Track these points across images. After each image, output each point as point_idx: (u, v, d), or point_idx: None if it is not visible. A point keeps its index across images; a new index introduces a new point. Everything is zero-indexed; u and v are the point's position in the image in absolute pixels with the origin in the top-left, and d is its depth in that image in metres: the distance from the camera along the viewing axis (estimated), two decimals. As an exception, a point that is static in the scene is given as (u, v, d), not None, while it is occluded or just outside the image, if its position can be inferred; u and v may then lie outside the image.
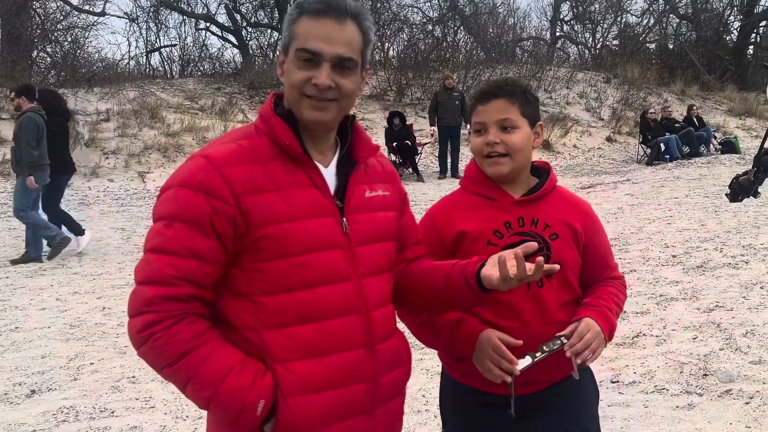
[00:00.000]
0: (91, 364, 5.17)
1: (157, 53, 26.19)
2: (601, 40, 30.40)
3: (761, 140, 3.24)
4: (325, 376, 1.73)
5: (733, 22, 29.33)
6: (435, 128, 16.03)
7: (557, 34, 31.20)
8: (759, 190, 3.13)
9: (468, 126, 15.53)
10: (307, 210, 1.74)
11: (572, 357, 2.01)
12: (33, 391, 4.69)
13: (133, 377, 4.86)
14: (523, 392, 2.10)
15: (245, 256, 1.72)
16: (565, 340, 2.03)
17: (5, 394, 4.66)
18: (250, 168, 1.72)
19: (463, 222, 2.14)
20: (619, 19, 29.94)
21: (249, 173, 1.71)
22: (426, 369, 4.80)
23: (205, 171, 1.69)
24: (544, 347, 2.03)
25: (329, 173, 1.83)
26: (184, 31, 33.82)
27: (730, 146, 18.70)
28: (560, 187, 2.28)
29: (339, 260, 1.77)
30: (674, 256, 7.70)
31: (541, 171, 2.26)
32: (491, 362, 2.01)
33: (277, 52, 1.82)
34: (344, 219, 1.79)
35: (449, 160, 16.04)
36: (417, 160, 16.03)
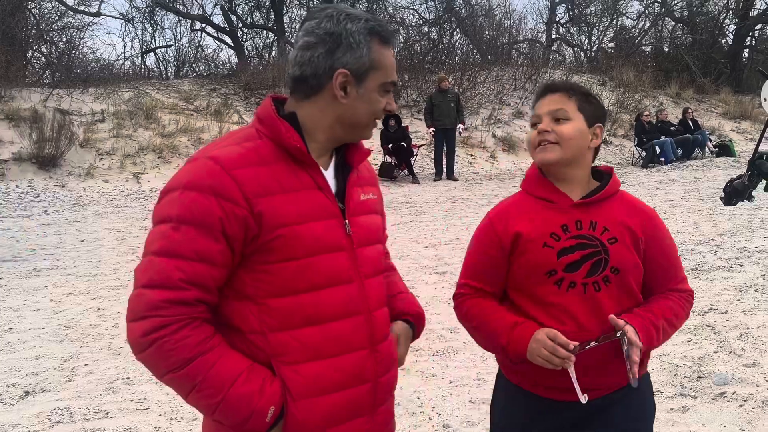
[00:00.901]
0: (86, 365, 5.15)
1: (152, 54, 26.19)
2: (596, 42, 30.47)
3: (756, 143, 3.25)
4: (332, 377, 1.75)
5: (728, 25, 29.40)
6: (432, 130, 16.02)
7: (553, 36, 31.27)
8: (753, 193, 3.14)
9: (462, 126, 15.48)
10: (313, 212, 1.75)
11: (627, 362, 1.99)
12: (27, 392, 4.68)
13: (128, 378, 4.85)
14: (575, 399, 2.07)
15: (255, 257, 1.71)
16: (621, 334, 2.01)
17: (-1, 395, 4.65)
18: (257, 170, 1.71)
19: (520, 223, 2.13)
20: (614, 21, 30.00)
21: (257, 175, 1.71)
22: (420, 371, 4.80)
23: (215, 173, 1.67)
24: (601, 337, 2.02)
25: (329, 176, 1.85)
26: (180, 32, 33.71)
27: (725, 149, 18.73)
28: (624, 191, 2.23)
29: (344, 262, 1.79)
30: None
31: (604, 175, 2.23)
32: (548, 351, 1.99)
33: (339, 72, 1.75)
34: (346, 221, 1.81)
35: (445, 162, 16.05)
36: (412, 161, 16.02)
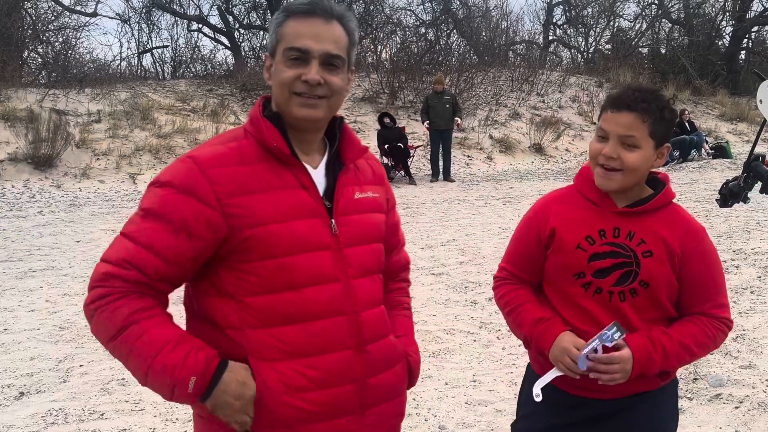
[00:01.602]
0: (81, 366, 5.14)
1: (148, 54, 26.22)
2: (593, 44, 30.51)
3: (752, 145, 3.25)
4: (310, 376, 1.75)
5: (725, 27, 29.48)
6: (427, 124, 16.00)
7: (550, 37, 31.31)
8: (749, 195, 3.14)
9: (459, 125, 15.38)
10: (294, 211, 1.75)
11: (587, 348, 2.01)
12: (22, 393, 4.66)
13: (123, 379, 4.84)
14: (596, 397, 2.09)
15: (234, 257, 1.73)
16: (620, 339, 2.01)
17: (-7, 396, 4.63)
18: (236, 170, 1.73)
19: (559, 220, 2.13)
20: (611, 23, 30.05)
21: (234, 175, 1.73)
22: (417, 372, 4.79)
23: (191, 173, 1.71)
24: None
25: (318, 174, 1.84)
26: (177, 33, 33.87)
27: (721, 151, 18.75)
28: (677, 205, 2.17)
29: (327, 261, 1.78)
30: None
31: (659, 183, 2.17)
32: (571, 359, 2.01)
33: (263, 56, 1.84)
34: (333, 220, 1.80)
35: (441, 163, 16.05)
36: (409, 162, 16.02)
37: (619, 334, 1.99)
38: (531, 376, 2.28)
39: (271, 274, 1.72)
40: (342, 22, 1.82)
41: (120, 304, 1.67)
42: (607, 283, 2.06)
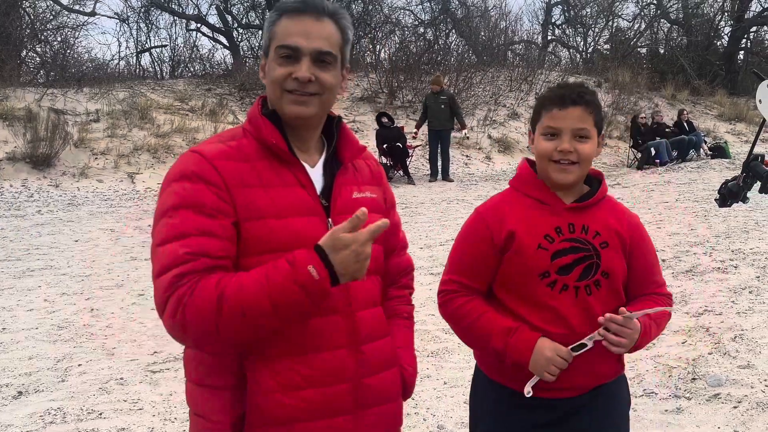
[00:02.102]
0: (79, 365, 5.13)
1: (147, 54, 26.17)
2: (592, 44, 30.54)
3: (750, 145, 3.25)
4: (304, 374, 1.74)
5: (723, 27, 29.50)
6: (414, 131, 16.34)
7: (549, 37, 31.31)
8: (748, 195, 3.14)
9: (465, 133, 15.44)
10: (292, 208, 1.75)
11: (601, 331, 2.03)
12: (20, 393, 4.66)
13: (122, 379, 4.83)
14: (561, 396, 2.11)
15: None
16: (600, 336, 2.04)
17: (-8, 395, 4.63)
18: (237, 165, 1.75)
19: (515, 222, 2.13)
20: (610, 23, 30.07)
21: (237, 168, 1.74)
22: (415, 372, 4.79)
23: (198, 161, 1.73)
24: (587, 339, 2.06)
25: (316, 173, 1.84)
26: (175, 32, 33.69)
27: (720, 151, 18.77)
28: (609, 196, 2.26)
29: None
30: (664, 261, 7.72)
31: (593, 179, 2.24)
32: (557, 367, 2.04)
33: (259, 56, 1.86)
34: (330, 219, 1.80)
35: (440, 163, 16.06)
36: (408, 162, 16.02)
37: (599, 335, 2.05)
38: (483, 381, 2.26)
39: None
40: (334, 19, 1.82)
41: (201, 286, 1.61)
42: (571, 279, 2.08)
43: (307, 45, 1.77)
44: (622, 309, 2.03)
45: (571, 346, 2.05)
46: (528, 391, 2.08)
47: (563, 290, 2.08)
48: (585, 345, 2.05)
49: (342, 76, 1.87)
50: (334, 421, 1.78)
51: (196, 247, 1.64)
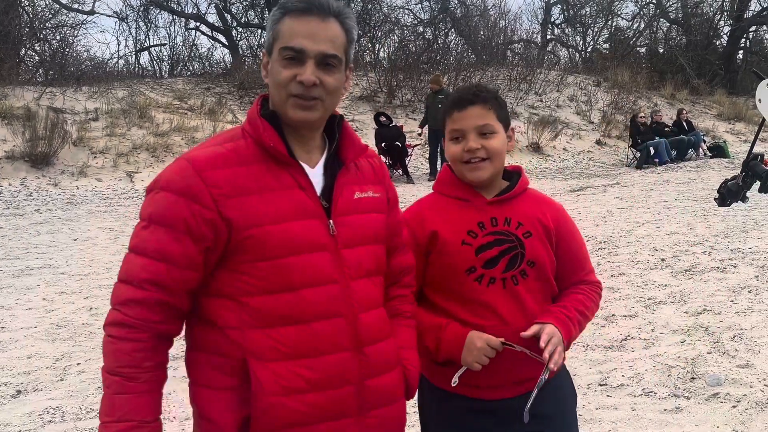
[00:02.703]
0: (78, 364, 5.13)
1: (146, 52, 26.16)
2: (591, 43, 30.54)
3: (750, 145, 3.24)
4: (307, 377, 1.73)
5: (723, 26, 29.50)
6: (420, 130, 16.27)
7: (548, 37, 31.30)
8: (747, 194, 3.13)
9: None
10: (291, 212, 1.74)
11: (546, 358, 2.00)
12: (19, 392, 4.65)
13: (120, 378, 4.83)
14: (514, 394, 2.11)
15: (232, 258, 1.72)
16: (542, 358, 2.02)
17: (-10, 394, 4.63)
18: (233, 171, 1.72)
19: (436, 223, 2.15)
20: (609, 22, 30.07)
21: (231, 176, 1.71)
22: (414, 371, 4.78)
23: (186, 175, 1.70)
24: (529, 351, 2.04)
25: (316, 174, 1.82)
26: (174, 31, 33.76)
27: (719, 150, 18.78)
28: (531, 189, 2.29)
29: (325, 262, 1.76)
30: (663, 260, 7.72)
31: (512, 174, 2.27)
32: (485, 356, 2.03)
33: (261, 54, 1.83)
34: (331, 221, 1.78)
35: (439, 162, 16.06)
36: (407, 161, 16.02)
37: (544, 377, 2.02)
38: (431, 391, 2.25)
39: (268, 275, 1.71)
40: (339, 20, 1.79)
41: (123, 348, 1.69)
42: (498, 271, 2.10)
43: (312, 47, 1.74)
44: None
45: (502, 340, 2.04)
46: (455, 381, 2.08)
47: (491, 283, 2.10)
48: (513, 346, 2.04)
49: (345, 75, 1.85)
50: (337, 424, 1.77)
51: (153, 273, 1.69)
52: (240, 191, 1.70)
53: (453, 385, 2.08)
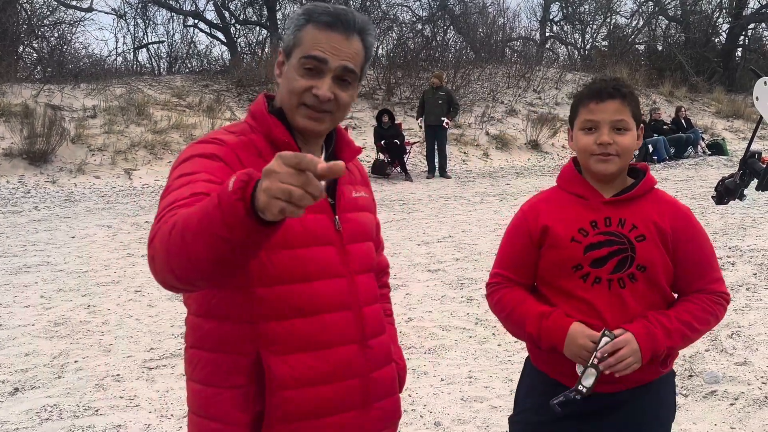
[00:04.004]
0: (76, 362, 5.13)
1: (144, 50, 26.15)
2: (590, 40, 30.55)
3: (748, 142, 3.24)
4: (319, 369, 1.75)
5: (721, 24, 29.52)
6: (421, 120, 16.11)
7: (547, 34, 31.31)
8: (745, 192, 3.13)
9: (447, 125, 15.19)
10: None
11: (587, 369, 2.01)
12: (16, 389, 4.65)
13: (118, 375, 4.83)
14: (602, 390, 2.09)
15: None
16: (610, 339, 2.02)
17: (-12, 392, 4.62)
18: (255, 159, 1.73)
19: (550, 217, 2.17)
20: (608, 20, 30.09)
21: (255, 163, 1.71)
22: (412, 369, 4.79)
23: (222, 148, 1.70)
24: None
25: None
26: (172, 28, 33.79)
27: (717, 148, 18.79)
28: (659, 189, 2.26)
29: (334, 256, 1.79)
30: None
31: (639, 172, 2.25)
32: (588, 352, 2.03)
33: (278, 50, 1.82)
34: (336, 217, 1.82)
35: (437, 160, 16.04)
36: (405, 159, 16.01)
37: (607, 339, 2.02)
38: (530, 370, 2.30)
39: (283, 265, 1.71)
40: (362, 36, 1.79)
41: (172, 213, 1.48)
42: (605, 272, 2.09)
43: (333, 63, 1.74)
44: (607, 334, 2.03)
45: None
46: (553, 404, 2.06)
47: (596, 283, 2.10)
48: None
49: (356, 89, 1.86)
50: (345, 416, 1.79)
51: (209, 189, 1.53)
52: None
53: (554, 408, 2.06)
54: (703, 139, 19.22)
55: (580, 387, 2.00)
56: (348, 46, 1.76)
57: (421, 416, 4.17)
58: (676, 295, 2.20)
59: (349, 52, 1.76)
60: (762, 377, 4.51)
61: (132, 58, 25.75)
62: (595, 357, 2.01)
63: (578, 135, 2.16)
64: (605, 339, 2.02)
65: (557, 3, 30.76)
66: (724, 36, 29.33)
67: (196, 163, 1.65)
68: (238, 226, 1.33)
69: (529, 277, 2.23)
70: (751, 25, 29.50)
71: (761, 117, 3.19)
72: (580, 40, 30.87)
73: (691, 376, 4.59)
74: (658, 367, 2.15)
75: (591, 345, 2.03)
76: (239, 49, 26.16)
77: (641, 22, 29.73)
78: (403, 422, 4.06)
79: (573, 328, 2.06)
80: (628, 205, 2.15)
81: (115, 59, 25.04)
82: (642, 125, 2.21)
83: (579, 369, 2.05)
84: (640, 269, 2.10)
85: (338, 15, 1.75)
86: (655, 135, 17.94)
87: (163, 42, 26.14)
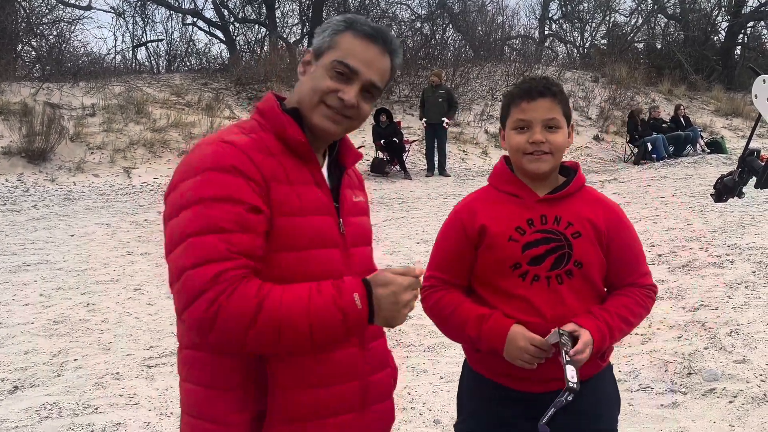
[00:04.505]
0: (75, 360, 5.13)
1: (143, 48, 26.14)
2: (589, 39, 30.53)
3: (746, 140, 3.25)
4: (321, 372, 1.75)
5: (720, 22, 29.49)
6: (425, 120, 16.07)
7: (546, 32, 31.29)
8: (744, 190, 3.13)
9: (449, 120, 15.17)
10: (313, 207, 1.76)
11: (566, 367, 2.00)
12: (16, 387, 4.65)
13: (117, 373, 4.83)
14: (542, 389, 2.12)
15: None
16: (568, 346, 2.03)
17: (-13, 390, 4.62)
18: (267, 158, 1.73)
19: (486, 217, 2.17)
20: (607, 18, 30.06)
21: (268, 162, 1.72)
22: (412, 367, 4.79)
23: (235, 154, 1.68)
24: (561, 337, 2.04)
25: (324, 174, 1.86)
26: (171, 26, 33.60)
27: (716, 146, 18.77)
28: (589, 187, 2.29)
29: (337, 259, 1.80)
30: (660, 255, 7.73)
31: (570, 170, 2.27)
32: (530, 355, 2.05)
33: (304, 49, 1.86)
34: (341, 219, 1.83)
35: (436, 158, 16.04)
36: (405, 157, 16.01)
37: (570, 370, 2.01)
38: (468, 373, 2.30)
39: (290, 266, 1.71)
40: (392, 57, 1.84)
41: (240, 290, 1.56)
42: (543, 269, 2.12)
43: (365, 74, 1.78)
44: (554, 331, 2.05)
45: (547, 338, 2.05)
46: (542, 424, 2.05)
47: (534, 281, 2.12)
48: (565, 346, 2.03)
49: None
50: (344, 418, 1.80)
51: (237, 245, 1.59)
52: (277, 178, 1.72)
53: (540, 424, 2.05)
54: (702, 138, 19.20)
55: (571, 385, 1.99)
56: (381, 61, 1.81)
57: (420, 414, 4.17)
58: (605, 290, 2.24)
59: (380, 68, 1.81)
60: (761, 375, 4.52)
61: (131, 56, 25.77)
62: (567, 354, 2.01)
63: (510, 134, 2.18)
64: (564, 337, 2.03)
65: (556, 1, 30.76)
66: (723, 34, 29.33)
67: (223, 213, 1.61)
68: (358, 330, 1.68)
69: (465, 278, 2.23)
70: (750, 24, 29.48)
71: (760, 115, 3.19)
72: (579, 38, 30.88)
73: (690, 373, 4.60)
74: (598, 360, 2.18)
75: (532, 348, 2.04)
76: (238, 47, 26.14)
77: (640, 21, 29.73)
78: (402, 420, 4.07)
79: (513, 330, 2.08)
80: (562, 203, 2.18)
81: (114, 57, 25.06)
82: (572, 123, 2.24)
83: (569, 372, 2.02)
84: (577, 265, 2.13)
85: (379, 30, 1.81)
86: (654, 133, 17.93)
87: (162, 40, 26.14)
